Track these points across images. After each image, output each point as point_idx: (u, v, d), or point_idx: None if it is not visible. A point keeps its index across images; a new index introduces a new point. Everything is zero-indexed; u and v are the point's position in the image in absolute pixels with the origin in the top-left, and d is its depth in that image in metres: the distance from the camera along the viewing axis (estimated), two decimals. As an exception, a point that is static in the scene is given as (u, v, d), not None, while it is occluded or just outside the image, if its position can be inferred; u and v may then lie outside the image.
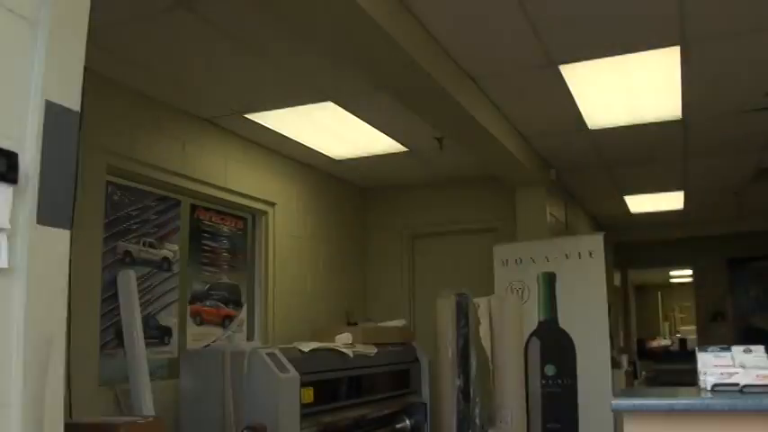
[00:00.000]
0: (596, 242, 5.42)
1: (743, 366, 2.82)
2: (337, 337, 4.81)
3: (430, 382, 5.30)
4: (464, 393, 4.55)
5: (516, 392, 4.77)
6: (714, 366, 2.86)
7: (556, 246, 5.55)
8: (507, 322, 4.80)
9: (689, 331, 14.42)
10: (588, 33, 3.56)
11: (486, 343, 4.72)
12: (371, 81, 3.97)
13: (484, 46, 3.72)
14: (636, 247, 11.12)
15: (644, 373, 10.51)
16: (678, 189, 7.36)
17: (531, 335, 5.40)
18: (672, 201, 8.03)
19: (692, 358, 3.04)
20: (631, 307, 14.14)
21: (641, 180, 6.98)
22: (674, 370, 12.18)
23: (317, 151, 5.47)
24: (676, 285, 17.29)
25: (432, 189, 6.62)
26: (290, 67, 3.91)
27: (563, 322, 5.35)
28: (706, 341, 10.14)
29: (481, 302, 4.74)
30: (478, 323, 4.71)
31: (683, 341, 13.92)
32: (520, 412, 4.75)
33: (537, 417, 5.27)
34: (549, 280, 5.44)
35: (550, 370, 5.30)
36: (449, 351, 4.61)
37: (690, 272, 14.59)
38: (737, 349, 2.94)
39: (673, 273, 14.99)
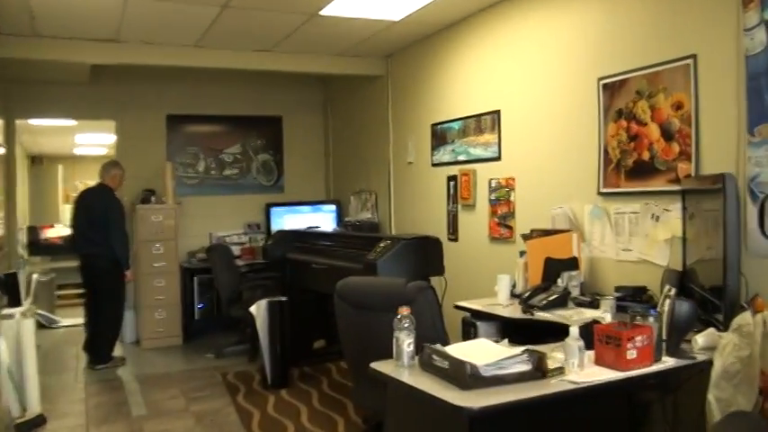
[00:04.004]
0: None
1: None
2: None
3: None
4: None
5: None
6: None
7: None
8: None
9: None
10: None
11: None
12: None
13: None
14: (30, 88, 6.95)
15: (35, 276, 6.63)
16: None
17: None
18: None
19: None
20: (23, 181, 10.22)
21: None
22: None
23: None
24: (82, 158, 13.45)
25: None
26: None
27: None
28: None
29: None
30: None
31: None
32: None
33: None
34: None
35: None
36: None
37: (104, 141, 10.92)
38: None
39: (80, 139, 10.97)
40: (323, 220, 7.61)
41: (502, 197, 4.90)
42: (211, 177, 7.78)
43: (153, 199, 7.07)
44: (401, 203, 6.48)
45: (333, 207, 7.76)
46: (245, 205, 7.85)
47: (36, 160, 13.71)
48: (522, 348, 2.32)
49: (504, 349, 2.41)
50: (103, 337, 6.31)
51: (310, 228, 7.05)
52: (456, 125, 5.46)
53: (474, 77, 5.27)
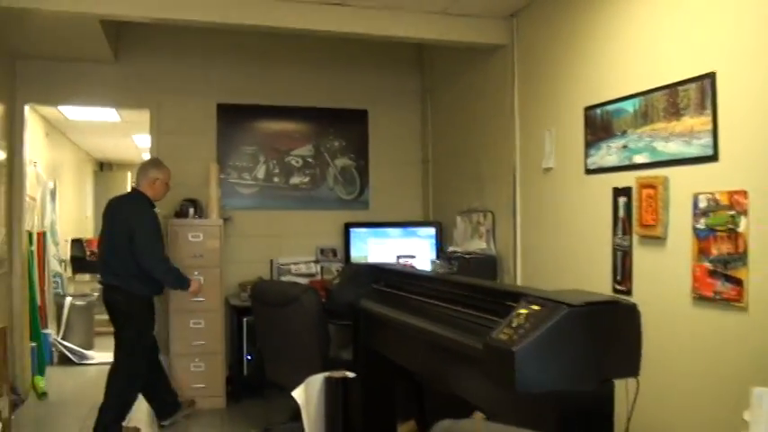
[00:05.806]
0: None
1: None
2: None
3: None
4: None
5: None
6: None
7: None
8: None
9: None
10: None
11: None
12: None
13: None
14: (41, 66, 5.42)
15: (69, 300, 5.48)
16: None
17: None
18: None
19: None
20: (79, 188, 9.42)
21: None
22: None
23: None
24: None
25: None
26: None
27: None
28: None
29: None
30: None
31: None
32: None
33: None
34: None
35: None
36: None
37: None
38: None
39: (140, 141, 9.57)
40: (419, 247, 5.66)
41: (720, 225, 2.79)
42: (274, 186, 5.97)
43: (192, 212, 5.35)
44: (532, 230, 4.44)
45: (432, 231, 5.78)
46: (317, 224, 6.01)
47: (105, 167, 12.83)
48: None
49: None
50: (109, 402, 4.58)
51: (400, 259, 5.13)
52: (629, 105, 3.39)
53: (662, 23, 3.20)
